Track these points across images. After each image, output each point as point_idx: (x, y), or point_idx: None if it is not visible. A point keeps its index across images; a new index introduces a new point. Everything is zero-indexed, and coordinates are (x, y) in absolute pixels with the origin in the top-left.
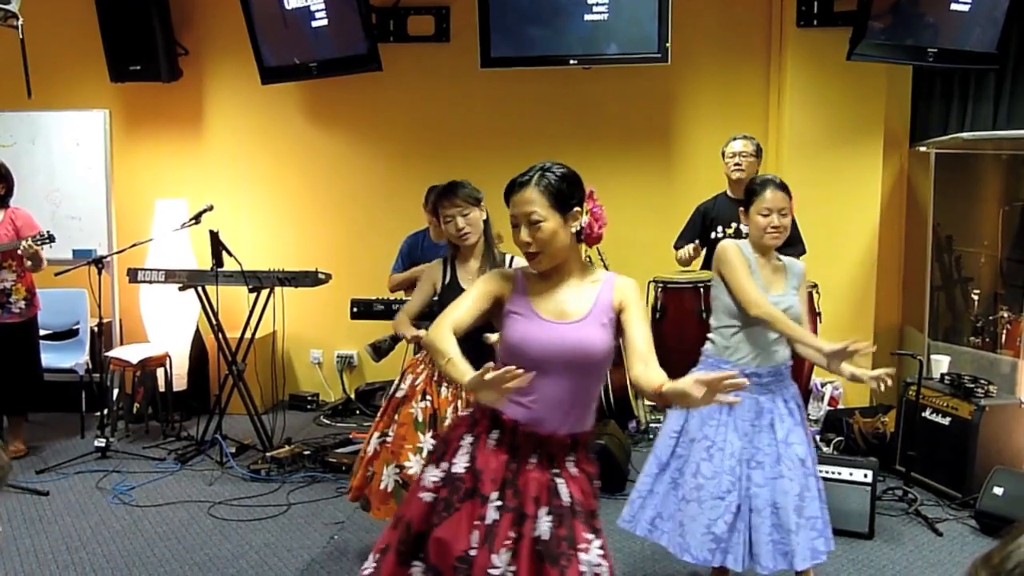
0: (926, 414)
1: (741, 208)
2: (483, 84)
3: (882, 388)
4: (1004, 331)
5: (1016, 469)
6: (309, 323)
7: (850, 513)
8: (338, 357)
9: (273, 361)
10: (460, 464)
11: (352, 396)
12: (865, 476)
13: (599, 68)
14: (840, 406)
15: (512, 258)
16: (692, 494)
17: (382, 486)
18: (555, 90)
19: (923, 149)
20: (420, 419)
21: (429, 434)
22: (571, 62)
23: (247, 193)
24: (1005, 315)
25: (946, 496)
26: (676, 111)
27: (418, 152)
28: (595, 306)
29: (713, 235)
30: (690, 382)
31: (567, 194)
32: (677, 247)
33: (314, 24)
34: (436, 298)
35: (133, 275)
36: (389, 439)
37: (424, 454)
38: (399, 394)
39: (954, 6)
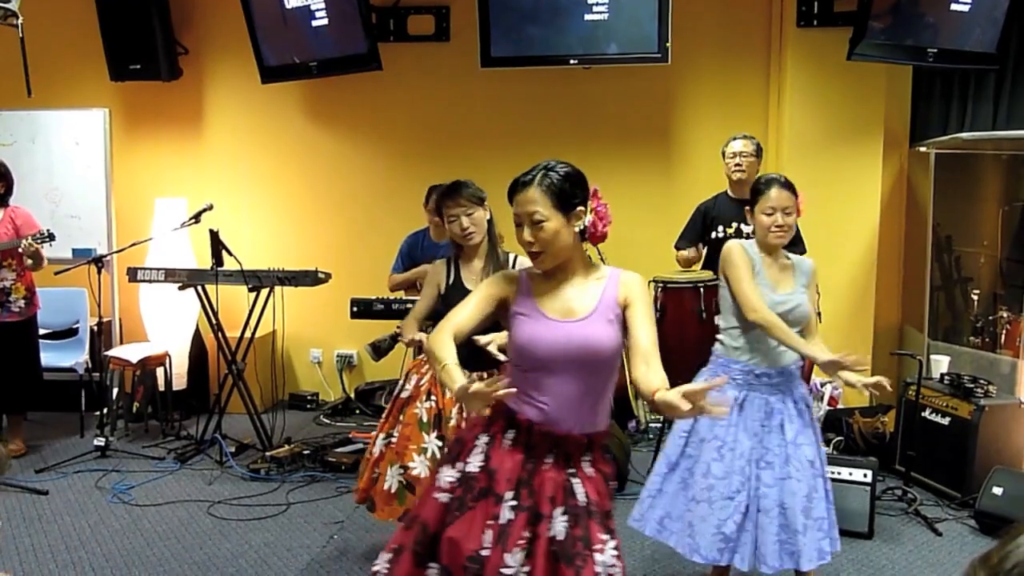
0: (926, 414)
1: (747, 207)
2: (483, 84)
3: (876, 396)
4: (1004, 331)
5: (1015, 469)
6: (309, 322)
7: (849, 513)
8: (338, 356)
9: (273, 360)
10: (474, 463)
11: (352, 395)
12: (865, 476)
13: (599, 68)
14: (840, 406)
15: (516, 257)
16: (702, 494)
17: (386, 487)
18: (555, 90)
19: (923, 149)
20: (425, 419)
21: (434, 434)
22: (571, 62)
23: (247, 192)
24: (1005, 315)
25: (945, 496)
26: (676, 111)
27: (418, 152)
28: (600, 303)
29: (714, 235)
30: (678, 396)
31: (570, 194)
32: (678, 247)
33: (314, 23)
34: (440, 298)
35: (133, 274)
36: (394, 440)
37: (428, 455)
38: (404, 395)
39: (954, 6)
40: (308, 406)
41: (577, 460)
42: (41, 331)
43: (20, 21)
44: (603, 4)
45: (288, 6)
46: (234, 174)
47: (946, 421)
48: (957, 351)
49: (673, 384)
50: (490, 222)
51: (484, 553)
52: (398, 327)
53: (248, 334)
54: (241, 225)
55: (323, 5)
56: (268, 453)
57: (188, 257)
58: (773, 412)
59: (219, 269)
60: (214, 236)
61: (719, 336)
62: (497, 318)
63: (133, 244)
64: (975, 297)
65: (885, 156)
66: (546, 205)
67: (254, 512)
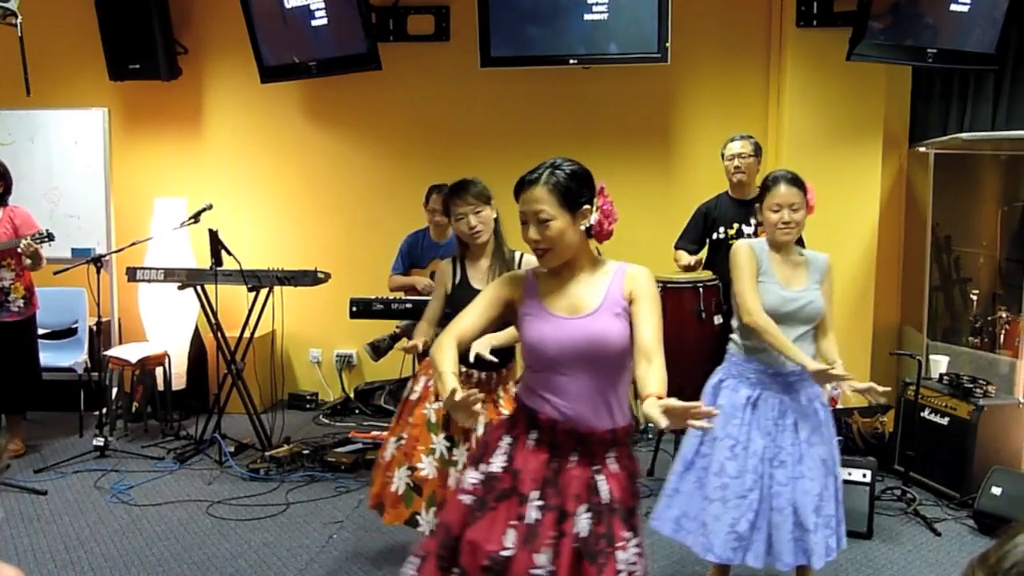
0: (925, 414)
1: (757, 204)
2: (483, 84)
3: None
4: (1003, 331)
5: (1014, 469)
6: (308, 322)
7: (849, 512)
8: (337, 356)
9: (272, 360)
10: (497, 464)
11: (351, 395)
12: (864, 476)
13: (599, 68)
14: (839, 406)
15: (522, 256)
16: (716, 493)
17: (392, 488)
18: (555, 90)
19: (922, 149)
20: (433, 420)
21: (442, 435)
22: (571, 62)
23: (246, 192)
24: (1004, 315)
25: (944, 496)
26: (676, 111)
27: (418, 152)
28: (607, 297)
29: (715, 236)
30: (658, 412)
31: (576, 192)
32: (678, 247)
33: (314, 23)
34: (447, 298)
35: (132, 274)
36: (404, 442)
37: (436, 455)
38: (413, 396)
39: (954, 6)
40: (307, 406)
41: (602, 457)
42: (40, 331)
43: (19, 21)
44: (603, 4)
45: (288, 6)
46: (234, 174)
47: (945, 421)
48: (956, 351)
49: (673, 384)
50: (496, 221)
51: (505, 554)
52: (397, 327)
53: (247, 334)
54: (240, 225)
55: (323, 5)
56: (267, 453)
57: (187, 257)
58: (787, 411)
59: (218, 269)
60: (213, 236)
61: (732, 336)
62: (505, 320)
63: (132, 244)
64: (974, 297)
65: (884, 156)
66: (552, 204)
67: (253, 512)
